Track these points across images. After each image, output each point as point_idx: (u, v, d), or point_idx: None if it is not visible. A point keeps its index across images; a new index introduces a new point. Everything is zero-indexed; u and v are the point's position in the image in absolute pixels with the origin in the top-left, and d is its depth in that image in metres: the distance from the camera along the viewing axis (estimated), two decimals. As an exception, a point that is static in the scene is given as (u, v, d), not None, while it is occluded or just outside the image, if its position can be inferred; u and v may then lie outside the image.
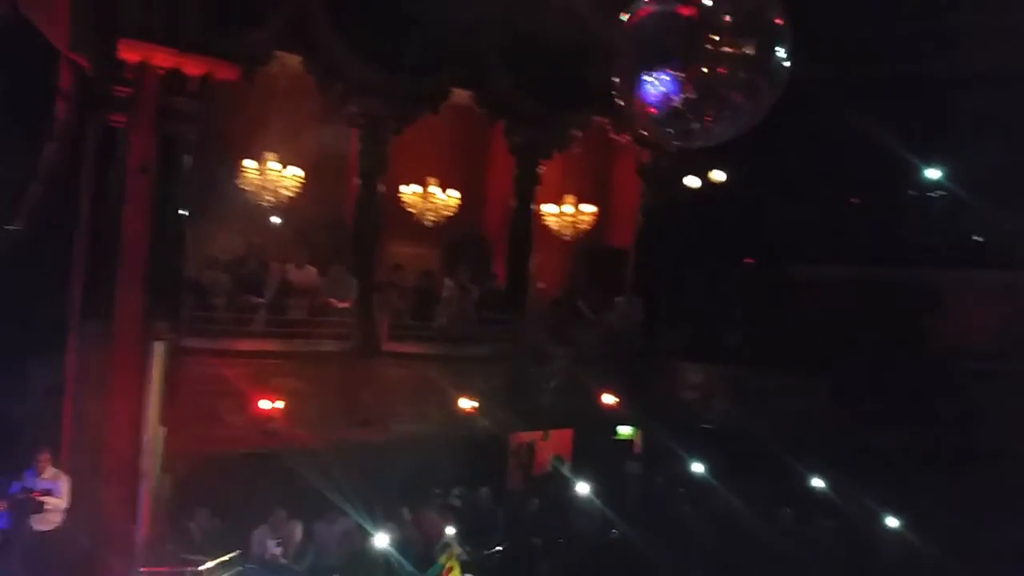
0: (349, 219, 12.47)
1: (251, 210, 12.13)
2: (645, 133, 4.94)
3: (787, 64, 4.47)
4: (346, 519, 11.01)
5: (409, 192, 13.66)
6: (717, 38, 4.26)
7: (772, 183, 14.09)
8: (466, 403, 12.16)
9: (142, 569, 9.63)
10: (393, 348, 11.94)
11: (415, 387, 12.07)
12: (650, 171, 14.80)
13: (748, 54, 4.34)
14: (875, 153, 13.52)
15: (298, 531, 10.90)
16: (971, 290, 14.01)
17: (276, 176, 12.06)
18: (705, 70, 4.30)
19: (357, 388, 11.58)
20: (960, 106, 13.79)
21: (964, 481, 11.63)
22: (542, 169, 13.64)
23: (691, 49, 4.28)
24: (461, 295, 12.91)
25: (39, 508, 9.28)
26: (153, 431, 10.01)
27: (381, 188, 12.16)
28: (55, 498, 9.39)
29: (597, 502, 12.76)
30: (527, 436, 14.39)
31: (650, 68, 4.40)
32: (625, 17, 4.50)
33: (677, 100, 4.37)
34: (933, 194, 14.85)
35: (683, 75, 4.32)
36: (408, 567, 10.49)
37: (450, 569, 10.45)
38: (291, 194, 12.22)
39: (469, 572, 10.81)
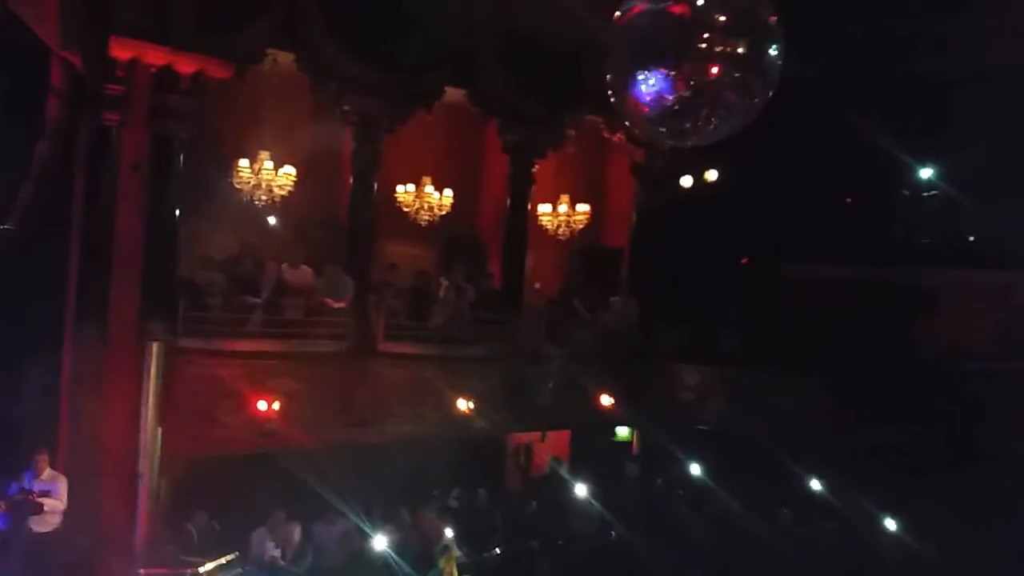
0: (344, 218, 12.47)
1: (245, 209, 12.12)
2: (638, 132, 4.92)
3: (780, 63, 4.46)
4: (345, 520, 10.99)
5: (404, 191, 13.65)
6: (710, 37, 4.25)
7: (766, 182, 14.09)
8: (463, 404, 12.14)
9: (140, 571, 9.59)
10: (389, 348, 11.92)
11: (411, 388, 12.05)
12: (644, 170, 14.80)
13: (741, 53, 4.33)
14: (870, 152, 13.53)
15: (296, 532, 10.89)
16: (966, 290, 14.02)
17: (270, 175, 12.05)
18: (698, 69, 4.29)
19: (353, 389, 11.57)
20: (955, 106, 13.81)
21: (962, 482, 11.63)
22: (536, 168, 13.63)
23: (684, 48, 4.27)
24: (457, 295, 12.89)
25: (37, 509, 9.25)
26: (150, 432, 9.98)
27: (375, 187, 12.14)
28: (53, 499, 9.36)
29: (595, 503, 12.74)
30: (525, 437, 14.39)
31: (643, 67, 4.39)
32: (617, 15, 4.50)
33: (670, 99, 4.36)
34: (928, 194, 14.88)
35: (676, 74, 4.31)
36: (407, 568, 10.47)
37: (449, 573, 10.44)
38: (285, 193, 12.21)
39: (467, 574, 10.80)
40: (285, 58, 11.25)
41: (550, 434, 14.35)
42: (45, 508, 9.29)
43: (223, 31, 10.36)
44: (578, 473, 13.33)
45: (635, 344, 14.30)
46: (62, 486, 9.46)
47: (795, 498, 12.75)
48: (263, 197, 12.11)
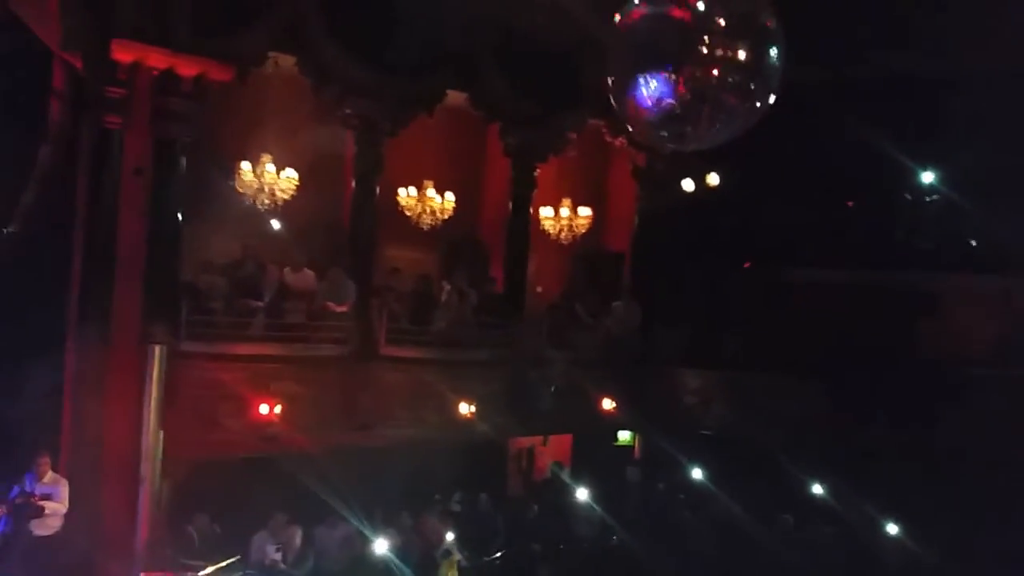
0: (346, 222, 12.48)
1: (247, 213, 12.13)
2: (639, 136, 4.93)
3: (780, 67, 4.47)
4: (346, 524, 10.98)
5: (405, 195, 13.67)
6: (710, 40, 4.26)
7: (768, 186, 14.10)
8: (465, 408, 12.14)
9: (141, 574, 9.61)
10: (391, 352, 11.93)
11: (413, 391, 12.05)
12: (646, 174, 14.83)
13: (742, 57, 4.34)
14: (871, 156, 13.53)
15: (298, 536, 10.86)
16: (967, 295, 14.00)
17: (272, 178, 12.06)
18: (698, 73, 4.30)
19: (355, 392, 11.58)
20: (957, 109, 13.79)
21: (962, 486, 11.62)
22: (538, 172, 13.64)
23: (684, 51, 4.29)
24: (459, 299, 12.90)
25: (39, 513, 9.24)
26: (152, 435, 9.98)
27: (377, 191, 12.15)
28: (54, 502, 9.36)
29: (597, 508, 12.74)
30: (526, 441, 14.38)
31: (643, 70, 4.40)
32: (618, 19, 4.51)
33: (670, 103, 4.37)
34: (929, 198, 14.87)
35: (676, 77, 4.32)
36: (408, 572, 10.47)
37: None
38: (287, 196, 12.23)
39: (468, 578, 10.82)
40: (287, 61, 11.28)
41: (552, 438, 14.33)
42: (46, 511, 9.28)
43: (225, 34, 10.38)
44: (580, 477, 13.33)
45: (637, 348, 14.31)
46: (63, 489, 9.46)
47: (796, 502, 12.74)
48: (265, 201, 12.12)
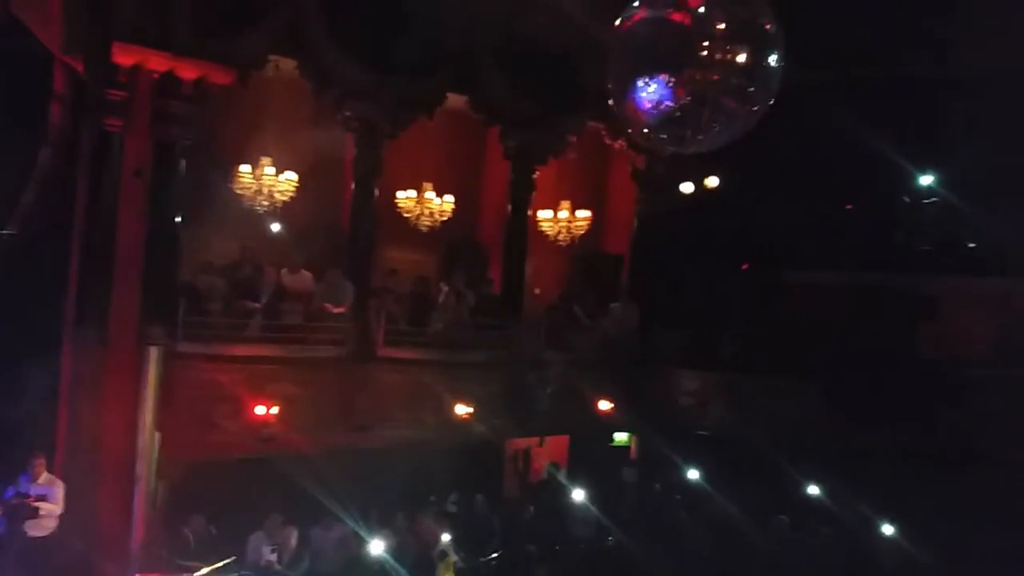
0: (345, 223, 12.48)
1: (246, 215, 12.13)
2: (639, 139, 4.94)
3: (780, 70, 4.48)
4: (342, 525, 10.99)
5: (404, 197, 13.67)
6: (710, 44, 4.27)
7: (767, 189, 14.11)
8: (462, 409, 12.14)
9: (137, 575, 9.61)
10: (389, 354, 11.92)
11: (411, 393, 12.05)
12: (645, 176, 14.83)
13: (741, 60, 4.36)
14: (870, 159, 13.55)
15: (293, 537, 10.87)
16: (966, 297, 14.02)
17: (271, 181, 12.06)
18: (698, 76, 4.31)
19: (353, 394, 11.57)
20: (956, 112, 13.83)
21: (960, 487, 11.64)
22: (537, 174, 13.65)
23: (684, 55, 4.30)
24: (457, 300, 12.90)
25: (34, 514, 9.24)
26: (148, 436, 9.98)
27: (376, 193, 12.16)
28: (50, 503, 9.35)
29: (593, 509, 12.75)
30: (523, 442, 14.38)
31: (643, 74, 4.41)
32: (618, 23, 4.52)
33: (670, 106, 4.38)
34: (928, 200, 14.89)
35: (676, 81, 4.33)
36: (404, 574, 10.47)
37: None
38: (286, 199, 12.22)
39: (465, 579, 10.82)
40: (287, 64, 11.28)
41: (548, 439, 14.33)
42: (41, 512, 9.28)
43: (225, 37, 10.38)
44: (576, 478, 13.35)
45: (635, 350, 14.31)
46: (59, 490, 9.45)
47: (793, 503, 12.76)
48: (264, 203, 12.12)
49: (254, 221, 12.30)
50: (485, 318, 13.10)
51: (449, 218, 13.87)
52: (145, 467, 9.97)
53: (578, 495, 12.76)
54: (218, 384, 10.41)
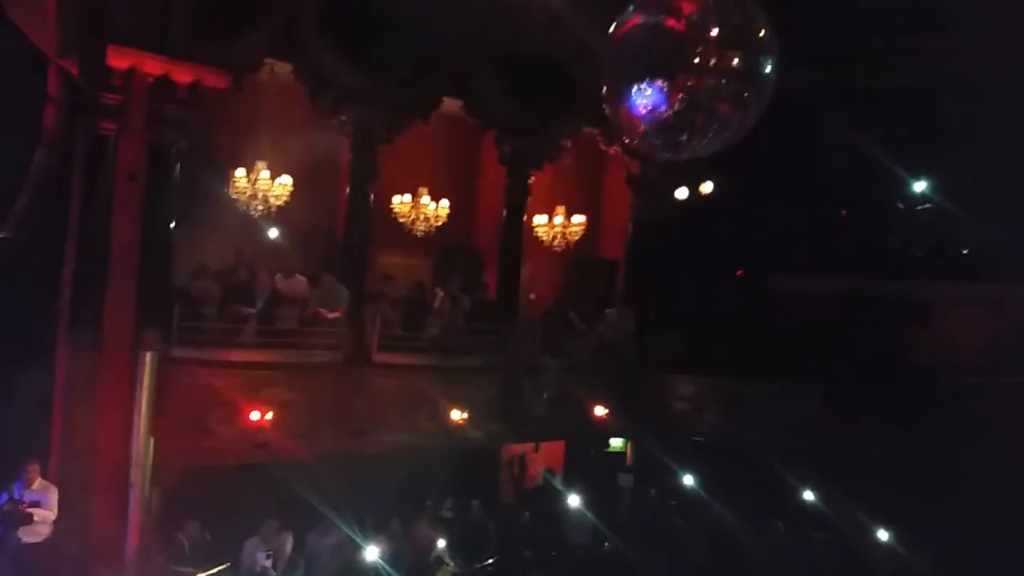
0: (340, 228, 12.47)
1: (241, 219, 12.12)
2: (633, 144, 4.95)
3: (774, 76, 4.50)
4: (337, 531, 10.97)
5: (400, 202, 13.67)
6: (704, 51, 4.29)
7: (762, 195, 14.15)
8: (457, 414, 12.13)
9: (131, 581, 9.60)
10: (384, 359, 11.91)
11: (406, 398, 12.04)
12: (640, 182, 14.84)
13: (735, 66, 4.37)
14: (864, 165, 13.60)
15: (289, 543, 10.84)
16: (959, 303, 14.06)
17: (266, 185, 12.05)
18: (692, 82, 4.33)
19: (348, 399, 11.55)
20: (948, 118, 13.88)
21: (954, 492, 11.66)
22: (533, 179, 13.66)
23: (678, 61, 4.31)
24: (452, 306, 12.89)
25: (27, 520, 9.21)
26: (143, 442, 9.96)
27: (372, 197, 12.16)
28: (43, 510, 9.32)
29: (589, 514, 12.75)
30: (519, 448, 14.37)
31: (638, 80, 4.42)
32: (613, 29, 4.53)
33: (665, 111, 4.40)
34: (921, 207, 14.95)
35: (670, 87, 4.34)
36: (399, 580, 10.48)
37: None
38: (281, 203, 12.21)
39: (460, 584, 10.80)
40: (282, 68, 11.28)
41: (544, 445, 14.34)
42: (35, 518, 9.25)
43: (220, 40, 10.38)
44: (572, 484, 13.34)
45: (630, 355, 14.31)
46: (52, 496, 9.42)
47: (788, 508, 12.76)
48: (259, 207, 12.11)
49: (249, 226, 12.27)
50: (480, 323, 13.09)
51: (444, 223, 13.87)
52: (139, 473, 9.95)
53: (574, 501, 12.76)
54: (213, 389, 10.38)
